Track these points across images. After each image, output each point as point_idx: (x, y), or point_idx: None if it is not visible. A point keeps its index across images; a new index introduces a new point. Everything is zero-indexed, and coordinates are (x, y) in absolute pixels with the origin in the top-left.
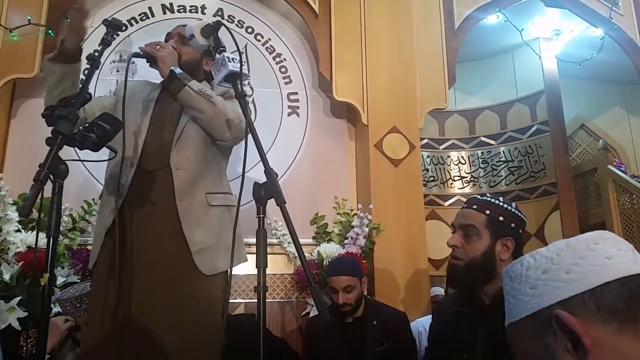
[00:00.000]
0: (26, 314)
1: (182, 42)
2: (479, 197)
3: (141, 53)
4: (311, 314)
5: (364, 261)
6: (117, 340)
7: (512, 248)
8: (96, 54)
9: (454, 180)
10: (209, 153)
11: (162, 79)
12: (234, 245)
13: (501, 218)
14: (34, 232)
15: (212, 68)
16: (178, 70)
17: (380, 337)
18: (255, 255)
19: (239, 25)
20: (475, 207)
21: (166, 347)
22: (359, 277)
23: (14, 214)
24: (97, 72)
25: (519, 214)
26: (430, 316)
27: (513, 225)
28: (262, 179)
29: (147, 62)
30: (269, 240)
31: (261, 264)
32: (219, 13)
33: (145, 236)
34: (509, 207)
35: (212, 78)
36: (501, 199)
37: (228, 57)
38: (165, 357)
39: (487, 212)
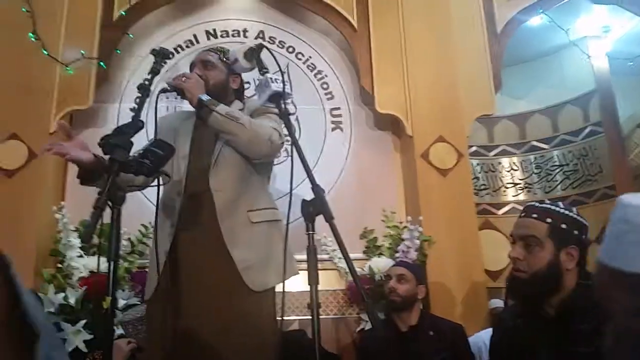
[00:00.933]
0: (92, 336)
1: (205, 67)
2: (537, 204)
3: (169, 88)
4: (366, 329)
5: None
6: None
7: (577, 256)
8: (146, 82)
9: (506, 188)
10: (247, 172)
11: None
12: (285, 259)
13: (564, 226)
14: (96, 257)
15: (257, 89)
16: (205, 98)
17: (438, 348)
18: (306, 272)
19: (280, 46)
20: (535, 215)
21: None
22: (417, 276)
23: (76, 240)
24: (147, 100)
25: (581, 219)
26: (490, 330)
27: (576, 232)
28: (310, 195)
29: (177, 95)
30: (319, 256)
31: (313, 280)
32: (261, 35)
33: (195, 259)
34: (570, 214)
35: (242, 95)
36: (561, 204)
37: (271, 78)
38: None
39: (549, 220)
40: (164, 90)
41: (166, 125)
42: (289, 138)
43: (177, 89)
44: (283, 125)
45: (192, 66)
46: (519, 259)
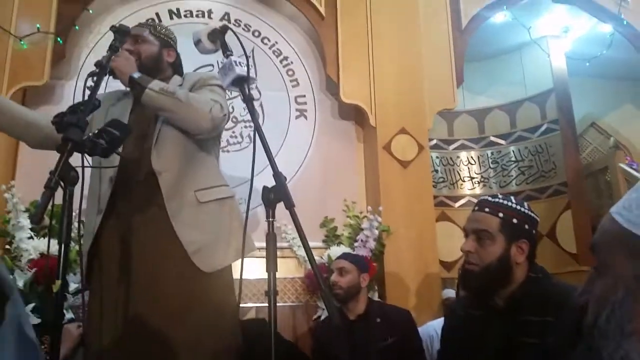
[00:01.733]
0: (40, 320)
1: (135, 42)
2: (490, 198)
3: (97, 70)
4: (322, 318)
5: (374, 264)
6: (122, 349)
7: (527, 250)
8: (104, 60)
9: (463, 181)
10: (191, 150)
11: None
12: (244, 238)
13: (515, 220)
14: (46, 239)
15: (220, 72)
16: (136, 75)
17: (385, 334)
18: (264, 259)
19: (246, 29)
20: (487, 210)
21: (175, 351)
22: (359, 268)
23: (25, 222)
24: (105, 78)
25: (532, 214)
26: (441, 320)
27: (527, 226)
28: (271, 182)
29: (108, 75)
30: (278, 244)
31: (271, 268)
32: (226, 17)
33: (142, 244)
34: (522, 208)
35: (181, 69)
36: (513, 199)
37: (235, 61)
38: (179, 357)
39: (500, 215)
40: (92, 74)
41: (104, 105)
42: (251, 123)
43: (105, 69)
44: (241, 97)
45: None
46: (471, 252)
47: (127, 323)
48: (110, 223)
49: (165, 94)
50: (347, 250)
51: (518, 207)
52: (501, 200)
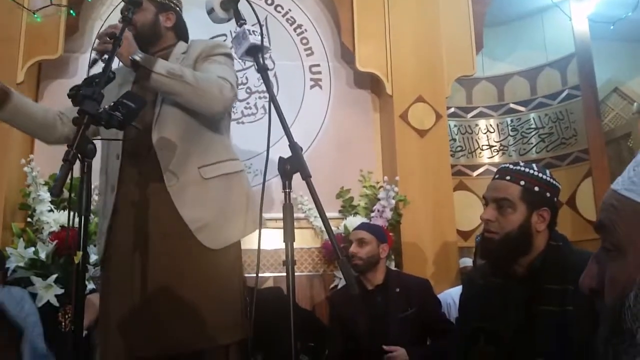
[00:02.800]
0: (63, 290)
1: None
2: (511, 166)
3: (97, 56)
4: (339, 287)
5: (391, 234)
6: (133, 327)
7: (548, 218)
8: (117, 32)
9: (482, 150)
10: (195, 126)
11: None
12: (261, 212)
13: (536, 188)
14: (66, 212)
15: (233, 42)
16: (139, 57)
17: (404, 304)
18: (282, 230)
19: None
20: (508, 178)
21: (186, 326)
22: (378, 238)
23: (45, 194)
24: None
25: (554, 181)
26: (459, 287)
27: (548, 194)
28: (287, 153)
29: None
30: (295, 215)
31: (289, 238)
32: None
33: (144, 223)
34: (544, 176)
35: (186, 34)
36: (535, 167)
37: (249, 30)
38: (187, 335)
39: (522, 182)
40: (94, 62)
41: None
42: (265, 94)
43: (104, 53)
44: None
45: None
46: (491, 220)
47: (135, 301)
48: (120, 199)
49: (172, 77)
50: (364, 220)
51: (540, 175)
52: (523, 168)
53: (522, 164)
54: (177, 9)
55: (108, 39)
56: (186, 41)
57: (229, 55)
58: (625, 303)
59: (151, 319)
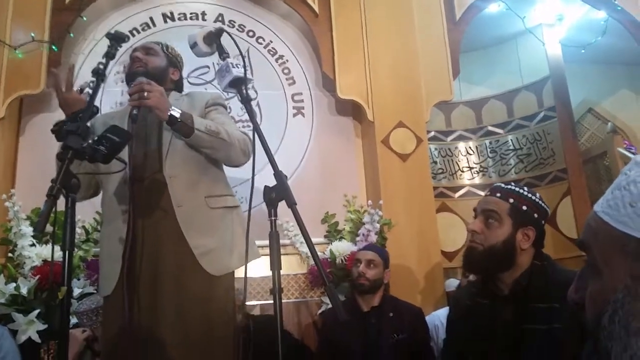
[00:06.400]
0: (45, 326)
1: (147, 53)
2: (503, 185)
3: (135, 112)
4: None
5: None
6: (134, 351)
7: (533, 238)
8: (101, 67)
9: (463, 172)
10: (200, 159)
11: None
12: (247, 243)
13: (524, 207)
14: (49, 246)
15: (217, 74)
16: (177, 114)
17: (396, 329)
18: (268, 257)
19: (240, 30)
20: (499, 195)
21: (182, 351)
22: (384, 262)
23: (27, 229)
24: (102, 85)
25: (543, 204)
26: (446, 309)
27: (536, 215)
28: (272, 181)
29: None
30: (281, 241)
31: (275, 266)
32: (220, 19)
33: (151, 246)
34: (533, 197)
35: (181, 87)
36: (525, 188)
37: (232, 63)
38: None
39: (511, 200)
40: (134, 118)
41: (101, 121)
42: (249, 123)
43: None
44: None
45: (134, 51)
46: (477, 231)
47: (138, 323)
48: (133, 225)
49: (210, 134)
50: (350, 244)
51: (529, 196)
52: (514, 187)
53: (513, 184)
54: (180, 67)
55: (145, 93)
56: (179, 92)
57: (225, 107)
58: (601, 323)
59: (155, 342)
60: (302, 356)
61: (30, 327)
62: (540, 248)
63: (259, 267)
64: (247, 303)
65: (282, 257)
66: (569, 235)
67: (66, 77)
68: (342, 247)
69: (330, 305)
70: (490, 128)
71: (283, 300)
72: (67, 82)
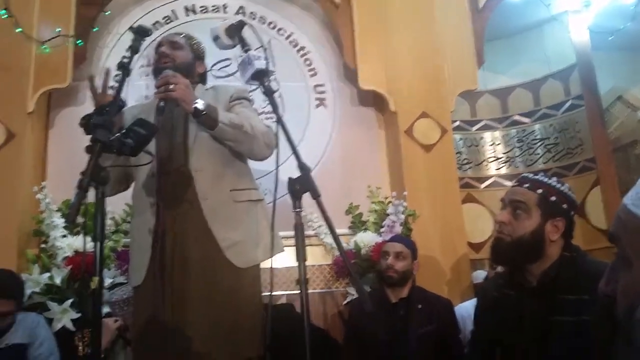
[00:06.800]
0: (79, 314)
1: (173, 47)
2: (531, 175)
3: (162, 104)
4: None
5: None
6: (163, 340)
7: (562, 229)
8: (126, 60)
9: (489, 162)
10: (226, 152)
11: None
12: (273, 235)
13: (553, 198)
14: (80, 237)
15: (239, 67)
16: (202, 106)
17: (425, 320)
18: (294, 248)
19: (261, 22)
20: (527, 185)
21: (209, 341)
22: (413, 253)
23: (59, 221)
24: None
25: (572, 194)
26: (473, 300)
27: (565, 206)
28: (295, 172)
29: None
30: (305, 232)
31: (301, 257)
32: (241, 11)
33: (178, 238)
34: (562, 188)
35: (205, 80)
36: (554, 178)
37: (254, 55)
38: (209, 350)
39: (539, 191)
40: (161, 109)
41: (130, 113)
42: (271, 114)
43: (167, 100)
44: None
45: (159, 46)
46: (504, 222)
47: (167, 314)
48: (162, 217)
49: (234, 127)
50: (375, 235)
51: (558, 186)
52: (542, 178)
53: (542, 174)
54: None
55: (171, 85)
56: (204, 84)
57: (249, 100)
58: (633, 316)
59: (183, 332)
60: (326, 346)
61: (65, 315)
62: (569, 239)
63: (284, 258)
64: (273, 293)
65: (307, 248)
66: (599, 226)
67: (102, 82)
68: (366, 238)
69: (355, 296)
70: (516, 117)
71: (308, 291)
72: (103, 86)
